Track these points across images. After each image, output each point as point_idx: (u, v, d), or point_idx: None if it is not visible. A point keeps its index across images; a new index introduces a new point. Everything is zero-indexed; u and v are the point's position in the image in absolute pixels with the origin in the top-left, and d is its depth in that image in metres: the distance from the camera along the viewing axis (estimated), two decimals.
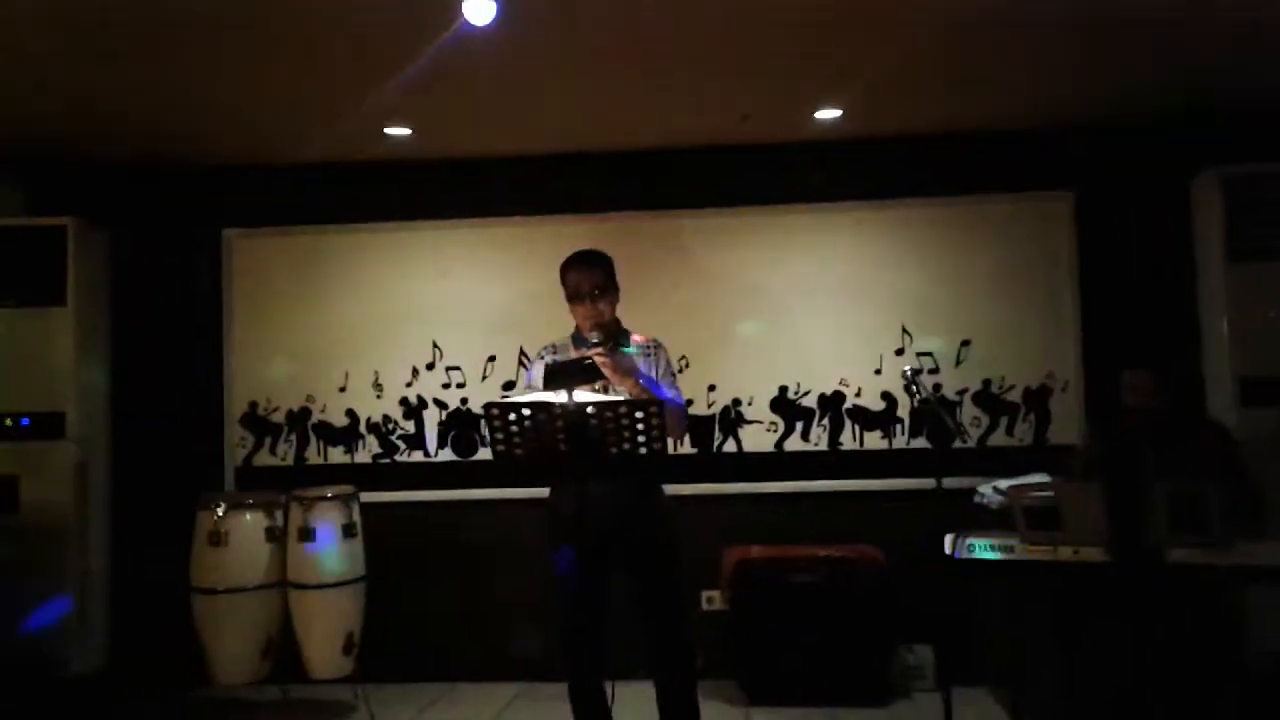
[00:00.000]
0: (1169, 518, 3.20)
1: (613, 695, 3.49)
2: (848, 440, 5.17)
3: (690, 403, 5.11)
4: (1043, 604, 3.88)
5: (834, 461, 5.17)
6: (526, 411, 3.10)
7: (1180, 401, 3.68)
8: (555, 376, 3.17)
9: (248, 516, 4.66)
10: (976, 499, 4.62)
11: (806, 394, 5.19)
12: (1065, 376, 5.03)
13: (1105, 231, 5.03)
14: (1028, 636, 4.18)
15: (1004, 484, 4.34)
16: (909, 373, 3.67)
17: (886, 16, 3.64)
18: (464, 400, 5.29)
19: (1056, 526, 3.36)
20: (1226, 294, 4.59)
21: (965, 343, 5.11)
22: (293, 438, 5.37)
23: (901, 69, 4.18)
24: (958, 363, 5.11)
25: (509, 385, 5.23)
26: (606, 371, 3.36)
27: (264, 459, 5.37)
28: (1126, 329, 4.91)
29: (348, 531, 4.66)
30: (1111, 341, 4.88)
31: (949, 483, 4.12)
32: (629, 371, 3.43)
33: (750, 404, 5.21)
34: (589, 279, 3.55)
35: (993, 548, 3.43)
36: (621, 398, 3.23)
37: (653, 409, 3.07)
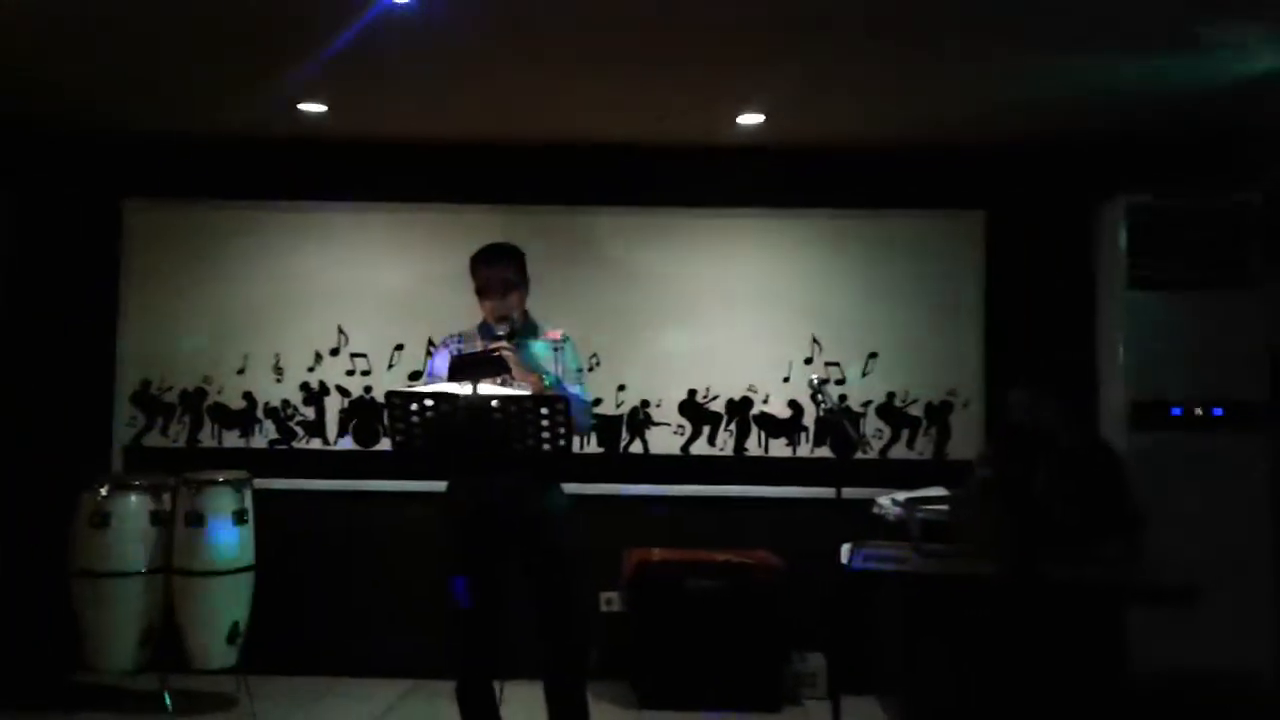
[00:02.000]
0: (1055, 536, 3.28)
1: (502, 694, 3.46)
2: (753, 446, 5.19)
3: (599, 402, 5.09)
4: (933, 616, 3.94)
5: (739, 467, 5.19)
6: (429, 402, 3.05)
7: (1070, 422, 3.77)
8: (460, 368, 3.12)
9: (133, 498, 4.50)
10: (875, 510, 4.68)
11: (715, 398, 5.20)
12: (967, 393, 5.13)
13: (1013, 252, 5.14)
14: (918, 648, 4.25)
15: (902, 496, 4.41)
16: (815, 381, 3.69)
17: (806, 24, 3.65)
18: (368, 389, 5.18)
19: (950, 540, 3.42)
20: (1124, 320, 4.71)
21: (872, 355, 5.17)
22: (186, 419, 5.19)
23: (822, 79, 4.21)
24: (864, 374, 5.17)
25: (416, 375, 5.13)
26: (513, 366, 3.32)
27: (154, 440, 5.19)
28: (1028, 349, 5.01)
29: (239, 518, 4.52)
30: (1013, 361, 4.98)
31: (850, 493, 4.17)
32: (535, 368, 3.40)
33: (659, 406, 5.20)
34: (499, 274, 3.52)
35: (887, 559, 3.46)
36: (527, 392, 3.19)
37: (559, 405, 3.04)
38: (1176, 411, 4.64)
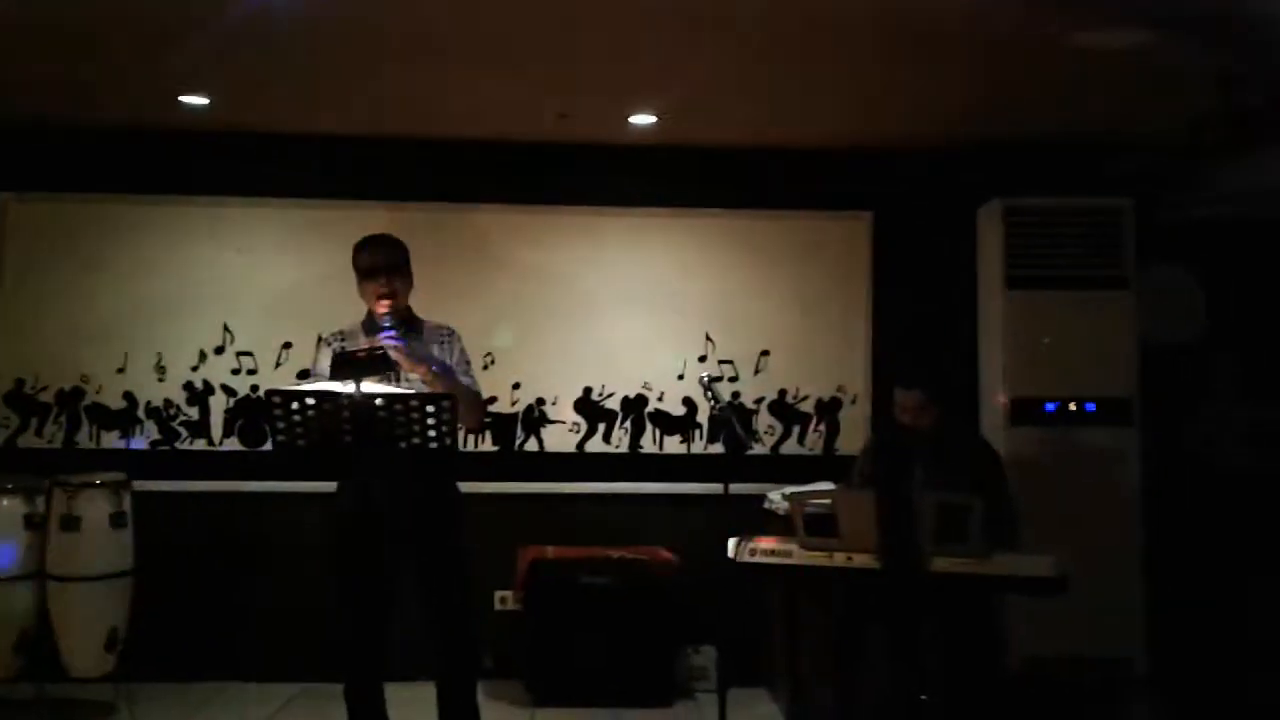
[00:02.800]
0: (935, 529, 3.38)
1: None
2: (648, 443, 5.22)
3: (494, 400, 5.07)
4: (820, 607, 4.03)
5: (634, 464, 5.21)
6: (311, 401, 3.00)
7: (948, 419, 3.89)
8: (343, 366, 3.07)
9: (4, 502, 4.31)
10: (766, 505, 4.75)
11: (610, 396, 5.22)
12: (854, 390, 5.24)
13: (898, 253, 5.27)
14: (805, 639, 4.34)
15: (790, 490, 4.48)
16: (706, 379, 3.76)
17: (700, 26, 3.69)
18: (254, 387, 5.06)
19: (834, 534, 3.50)
20: (1003, 319, 4.86)
21: (764, 353, 5.25)
22: (63, 419, 5.01)
23: (713, 81, 4.26)
24: (756, 372, 5.25)
25: (305, 374, 4.99)
26: (399, 358, 3.29)
27: (29, 441, 4.99)
28: (912, 347, 5.13)
29: (116, 521, 4.38)
30: (898, 359, 5.10)
31: (744, 488, 4.27)
32: (423, 358, 3.37)
33: (554, 404, 5.20)
34: (383, 257, 3.48)
35: (772, 552, 3.53)
36: (412, 391, 3.16)
37: (445, 403, 3.02)
38: (1052, 407, 4.81)
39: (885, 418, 4.08)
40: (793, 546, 3.55)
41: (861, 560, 3.45)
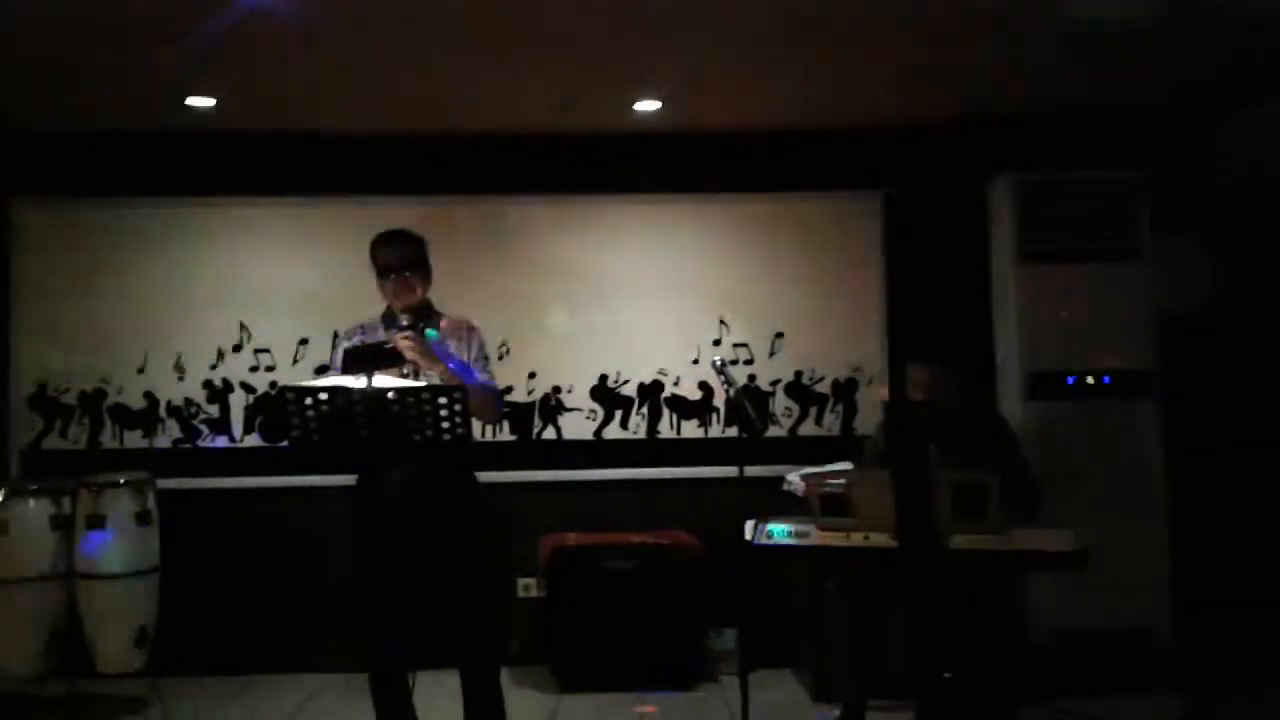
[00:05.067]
0: (952, 506, 3.37)
1: (413, 684, 3.46)
2: (665, 429, 5.24)
3: (510, 389, 5.09)
4: (840, 588, 4.03)
5: (652, 449, 5.23)
6: (323, 396, 3.02)
7: (963, 395, 3.88)
8: (355, 360, 3.10)
9: (31, 503, 4.39)
10: (785, 486, 4.75)
11: (626, 383, 5.23)
12: (871, 370, 5.22)
13: (911, 231, 5.23)
14: (827, 619, 4.34)
15: (806, 471, 4.48)
16: (718, 363, 3.75)
17: (706, 12, 3.68)
18: (273, 384, 5.10)
19: (850, 513, 3.50)
20: (1016, 293, 4.83)
21: (779, 335, 5.25)
22: (86, 420, 5.07)
23: (713, 65, 4.24)
24: (771, 354, 5.24)
25: (323, 369, 5.05)
26: (413, 355, 3.31)
27: (54, 442, 5.07)
28: (927, 325, 5.11)
29: (141, 519, 4.44)
30: (914, 337, 5.08)
31: (763, 471, 4.27)
32: (440, 357, 3.38)
33: (570, 392, 5.22)
34: (400, 253, 3.49)
35: (789, 534, 3.54)
36: (422, 383, 3.18)
37: (456, 395, 3.04)
38: (1069, 380, 4.78)
39: (899, 396, 4.06)
40: (810, 527, 3.55)
41: (878, 539, 3.45)
